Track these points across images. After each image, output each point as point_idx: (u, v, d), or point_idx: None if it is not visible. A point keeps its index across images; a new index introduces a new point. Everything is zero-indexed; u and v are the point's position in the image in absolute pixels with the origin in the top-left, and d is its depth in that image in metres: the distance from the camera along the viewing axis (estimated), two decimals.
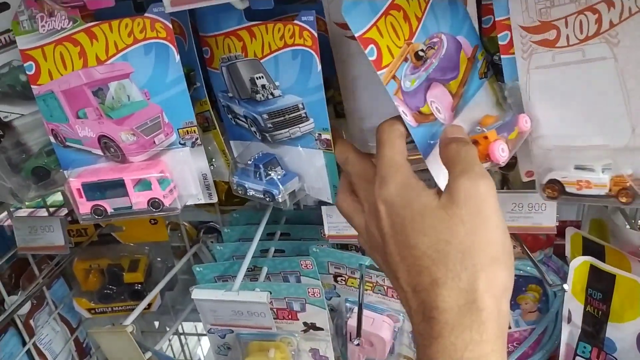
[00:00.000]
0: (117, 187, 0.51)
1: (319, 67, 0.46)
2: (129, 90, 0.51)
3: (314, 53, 0.46)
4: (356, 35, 0.40)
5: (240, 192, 0.56)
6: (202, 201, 0.55)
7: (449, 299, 0.37)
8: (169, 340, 1.26)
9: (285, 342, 0.71)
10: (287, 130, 0.52)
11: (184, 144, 0.52)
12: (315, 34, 0.45)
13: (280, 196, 0.52)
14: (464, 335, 0.37)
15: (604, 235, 0.76)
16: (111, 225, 0.88)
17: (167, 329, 1.23)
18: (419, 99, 0.46)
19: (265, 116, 0.52)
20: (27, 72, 0.52)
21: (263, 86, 0.50)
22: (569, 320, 0.71)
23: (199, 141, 0.52)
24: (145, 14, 0.48)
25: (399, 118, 0.44)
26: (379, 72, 0.42)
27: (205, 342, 1.46)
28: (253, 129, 0.54)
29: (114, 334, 0.70)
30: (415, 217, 0.40)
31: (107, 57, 0.50)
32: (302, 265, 0.69)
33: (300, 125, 0.51)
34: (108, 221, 0.54)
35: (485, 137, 0.46)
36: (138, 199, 0.52)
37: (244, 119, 0.54)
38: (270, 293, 0.65)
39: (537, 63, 0.47)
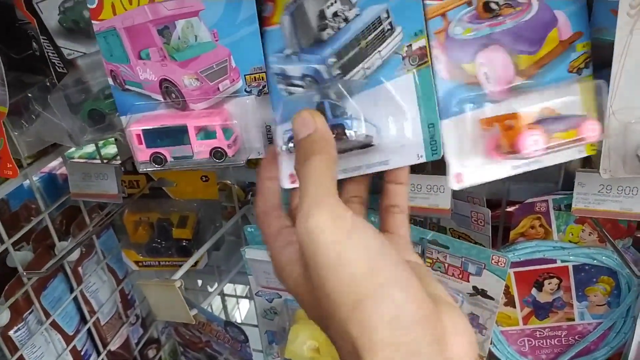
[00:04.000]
0: (179, 133, 0.48)
1: None
2: (197, 30, 0.47)
3: None
4: None
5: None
6: (264, 156, 0.51)
7: None
8: (209, 297, 1.26)
9: None
10: (360, 67, 0.43)
11: (249, 92, 0.48)
12: None
13: (353, 129, 0.41)
14: None
15: None
16: (163, 180, 0.86)
17: (209, 288, 1.23)
18: (466, 54, 0.40)
19: (331, 60, 0.44)
20: (89, 6, 0.48)
21: (335, 14, 0.43)
22: None
23: (266, 89, 0.48)
24: None
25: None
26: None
27: (244, 304, 1.46)
28: (312, 91, 0.46)
29: (163, 287, 0.69)
30: (293, 292, 0.37)
31: None
32: None
33: (381, 47, 0.42)
34: (166, 170, 0.50)
35: (515, 117, 0.39)
36: (200, 148, 0.48)
37: (301, 81, 0.46)
38: None
39: None
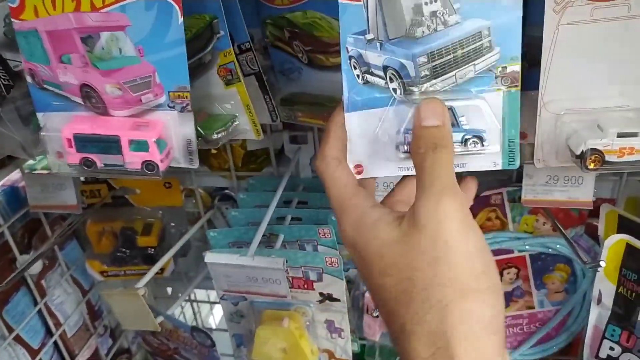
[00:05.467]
0: (111, 143, 0.48)
1: None
2: (122, 44, 0.47)
3: None
4: None
5: None
6: (183, 165, 0.52)
7: (417, 347, 0.33)
8: (182, 308, 1.26)
9: (300, 312, 0.68)
10: (452, 73, 0.42)
11: (172, 107, 0.49)
12: None
13: (487, 141, 0.41)
14: None
15: None
16: (125, 188, 0.86)
17: (180, 295, 1.22)
18: None
19: (421, 60, 0.42)
20: (10, 4, 0.48)
21: (433, 13, 0.41)
22: (599, 301, 0.68)
23: (189, 107, 0.48)
24: None
25: (329, 141, 0.42)
26: None
27: (218, 310, 1.45)
28: (393, 84, 0.43)
29: (126, 296, 0.69)
30: (373, 259, 0.36)
31: (102, 5, 0.46)
32: (320, 233, 0.66)
33: (477, 61, 0.42)
34: (96, 175, 0.51)
35: None
36: (132, 159, 0.49)
37: (380, 72, 0.43)
38: (287, 260, 0.63)
39: (571, 18, 0.43)
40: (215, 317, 1.44)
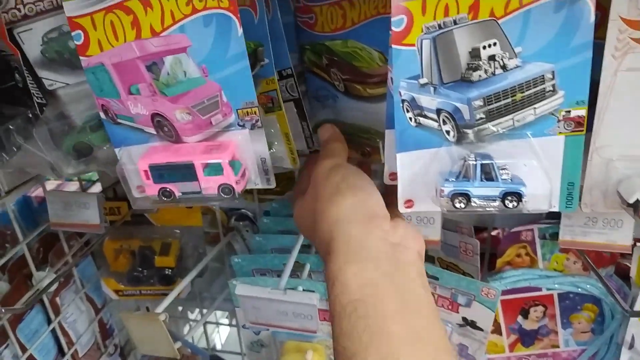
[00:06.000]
0: (185, 170, 0.48)
1: (592, 17, 0.38)
2: (185, 66, 0.47)
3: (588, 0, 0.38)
4: None
5: (456, 205, 0.43)
6: (260, 186, 0.51)
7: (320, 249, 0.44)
8: (190, 326, 1.24)
9: (323, 344, 0.67)
10: (510, 117, 0.42)
11: (242, 126, 0.48)
12: None
13: (526, 198, 0.42)
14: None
15: None
16: None
17: (189, 314, 1.20)
18: None
19: (476, 103, 0.42)
20: (76, 42, 0.48)
21: (491, 57, 0.41)
22: (631, 346, 0.66)
23: (259, 123, 0.48)
24: None
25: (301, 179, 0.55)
26: None
27: (224, 330, 1.43)
28: (446, 127, 0.43)
29: (146, 321, 0.67)
30: (299, 219, 0.51)
31: (162, 29, 0.45)
32: None
33: (538, 105, 0.42)
34: (175, 205, 0.50)
35: None
36: (208, 184, 0.48)
37: (434, 115, 0.43)
38: (314, 292, 0.61)
39: (630, 64, 0.42)
40: (221, 336, 1.41)
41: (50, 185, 0.87)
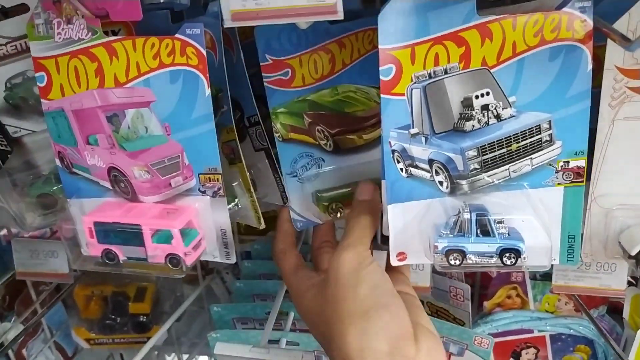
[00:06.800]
0: (132, 233, 0.44)
1: (590, 66, 0.37)
2: (147, 121, 0.44)
3: (585, 48, 0.37)
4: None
5: (451, 261, 0.41)
6: (218, 260, 0.47)
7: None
8: None
9: None
10: (505, 168, 0.40)
11: (204, 192, 0.44)
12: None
13: (525, 254, 0.40)
14: None
15: None
16: None
17: (166, 357, 1.15)
18: None
19: (470, 153, 0.40)
20: (38, 84, 0.45)
21: (484, 107, 0.39)
22: None
23: (221, 192, 0.44)
24: (177, 35, 0.40)
25: (277, 236, 0.52)
26: None
27: None
28: (439, 177, 0.41)
29: None
30: (306, 315, 0.45)
31: (126, 80, 0.42)
32: None
33: (534, 156, 0.40)
34: (118, 270, 0.46)
35: None
36: (155, 252, 0.44)
37: (426, 165, 0.41)
38: (298, 345, 0.58)
39: (627, 113, 0.41)
40: None
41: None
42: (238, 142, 0.47)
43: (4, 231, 0.94)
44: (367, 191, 0.46)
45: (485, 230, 0.40)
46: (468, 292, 0.64)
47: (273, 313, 0.56)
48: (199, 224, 0.44)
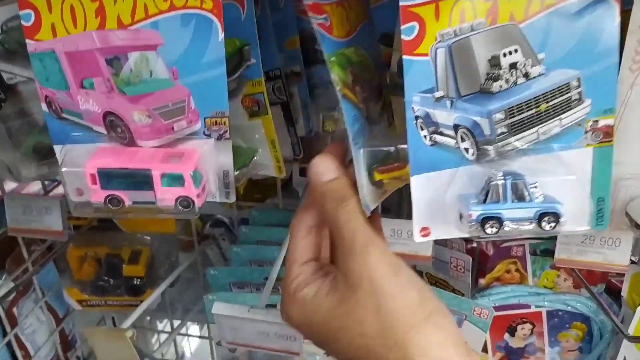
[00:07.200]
0: (141, 178, 0.42)
1: (618, 19, 0.35)
2: (152, 65, 0.42)
3: (612, 1, 0.35)
4: None
5: (487, 230, 0.39)
6: (218, 200, 0.47)
7: None
8: (157, 335, 1.18)
9: None
10: (534, 130, 0.38)
11: (208, 135, 0.43)
12: None
13: (564, 217, 0.38)
14: None
15: None
16: None
17: (158, 324, 1.14)
18: None
19: (497, 116, 0.38)
20: (23, 23, 0.42)
21: (512, 65, 0.37)
22: None
23: (227, 134, 0.43)
24: None
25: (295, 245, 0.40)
26: None
27: (193, 339, 1.37)
28: (465, 144, 0.39)
29: (112, 337, 0.62)
30: (321, 330, 0.37)
31: (132, 22, 0.40)
32: None
33: (564, 116, 0.38)
34: (124, 215, 0.45)
35: None
36: (165, 195, 0.43)
37: (451, 131, 0.39)
38: None
39: None
40: (190, 345, 1.35)
41: (9, 185, 0.80)
42: (266, 94, 0.47)
43: None
44: (328, 168, 0.40)
45: (520, 196, 0.39)
46: (469, 263, 0.63)
47: (273, 274, 0.55)
48: (202, 166, 0.43)
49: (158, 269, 0.83)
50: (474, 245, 0.69)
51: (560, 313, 0.71)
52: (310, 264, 0.40)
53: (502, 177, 0.39)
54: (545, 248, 0.69)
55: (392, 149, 0.40)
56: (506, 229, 0.39)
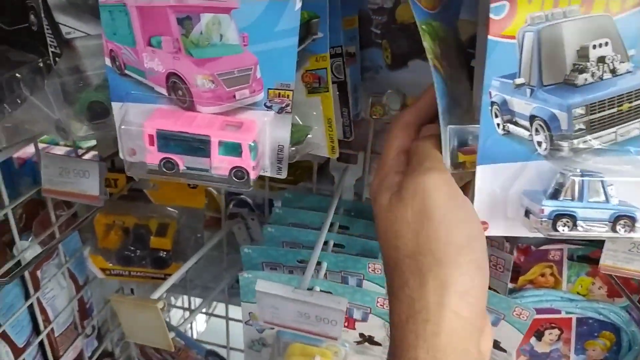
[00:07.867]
0: (198, 143, 0.41)
1: None
2: (224, 29, 0.40)
3: None
4: None
5: (559, 228, 0.37)
6: (269, 174, 0.45)
7: (398, 312, 0.35)
8: (169, 312, 1.17)
9: (332, 350, 0.62)
10: (613, 130, 0.37)
11: (269, 107, 0.42)
12: None
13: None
14: (409, 354, 0.33)
15: None
16: (145, 181, 0.78)
17: (173, 299, 1.14)
18: None
19: (577, 111, 0.37)
20: None
21: (601, 59, 0.36)
22: None
23: (289, 108, 0.42)
24: None
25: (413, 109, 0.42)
26: None
27: (200, 318, 1.36)
28: (538, 137, 0.38)
29: (141, 308, 0.61)
30: (374, 220, 0.39)
31: None
32: (369, 268, 0.60)
33: None
34: (176, 179, 0.44)
35: None
36: (220, 164, 0.42)
37: (526, 122, 0.38)
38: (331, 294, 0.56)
39: None
40: (198, 323, 1.35)
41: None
42: (329, 70, 0.46)
43: (20, 152, 0.91)
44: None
45: (597, 195, 0.37)
46: (510, 262, 0.62)
47: (313, 258, 0.54)
48: (261, 138, 0.42)
49: (183, 243, 0.82)
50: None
51: (590, 321, 0.71)
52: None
53: (580, 174, 0.37)
54: (583, 254, 0.68)
55: (477, 130, 0.38)
56: (579, 228, 0.38)
